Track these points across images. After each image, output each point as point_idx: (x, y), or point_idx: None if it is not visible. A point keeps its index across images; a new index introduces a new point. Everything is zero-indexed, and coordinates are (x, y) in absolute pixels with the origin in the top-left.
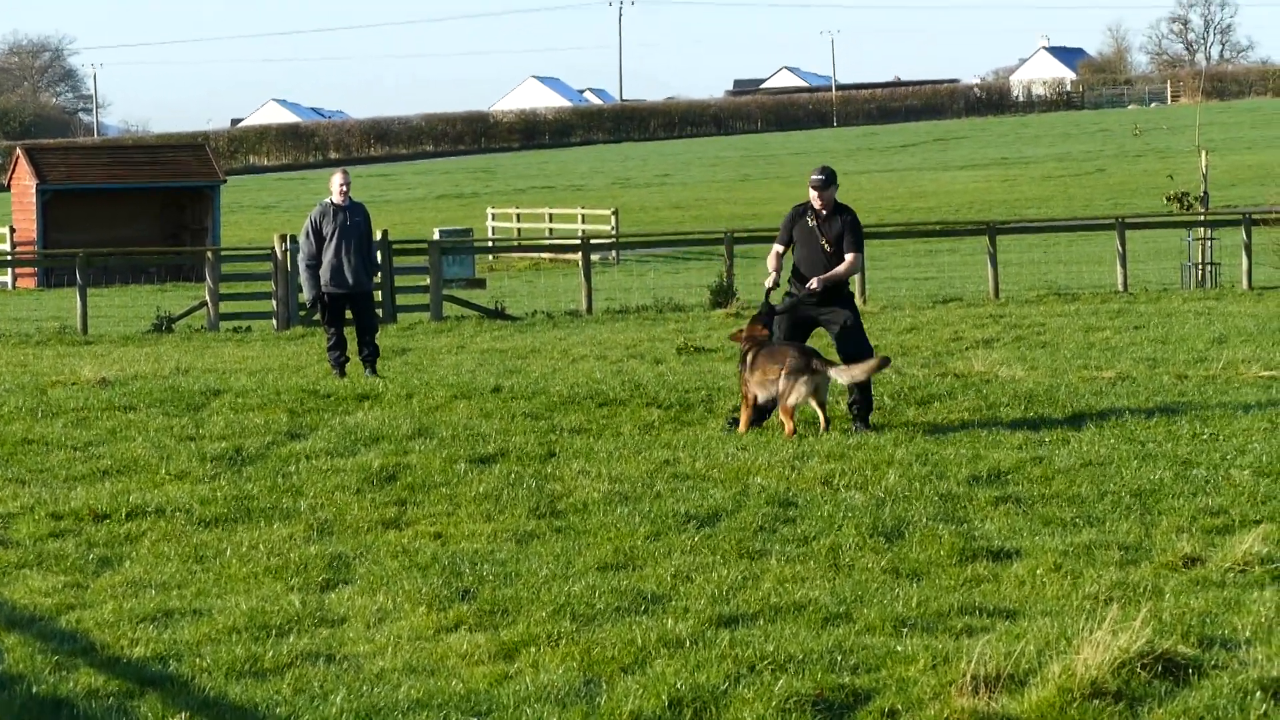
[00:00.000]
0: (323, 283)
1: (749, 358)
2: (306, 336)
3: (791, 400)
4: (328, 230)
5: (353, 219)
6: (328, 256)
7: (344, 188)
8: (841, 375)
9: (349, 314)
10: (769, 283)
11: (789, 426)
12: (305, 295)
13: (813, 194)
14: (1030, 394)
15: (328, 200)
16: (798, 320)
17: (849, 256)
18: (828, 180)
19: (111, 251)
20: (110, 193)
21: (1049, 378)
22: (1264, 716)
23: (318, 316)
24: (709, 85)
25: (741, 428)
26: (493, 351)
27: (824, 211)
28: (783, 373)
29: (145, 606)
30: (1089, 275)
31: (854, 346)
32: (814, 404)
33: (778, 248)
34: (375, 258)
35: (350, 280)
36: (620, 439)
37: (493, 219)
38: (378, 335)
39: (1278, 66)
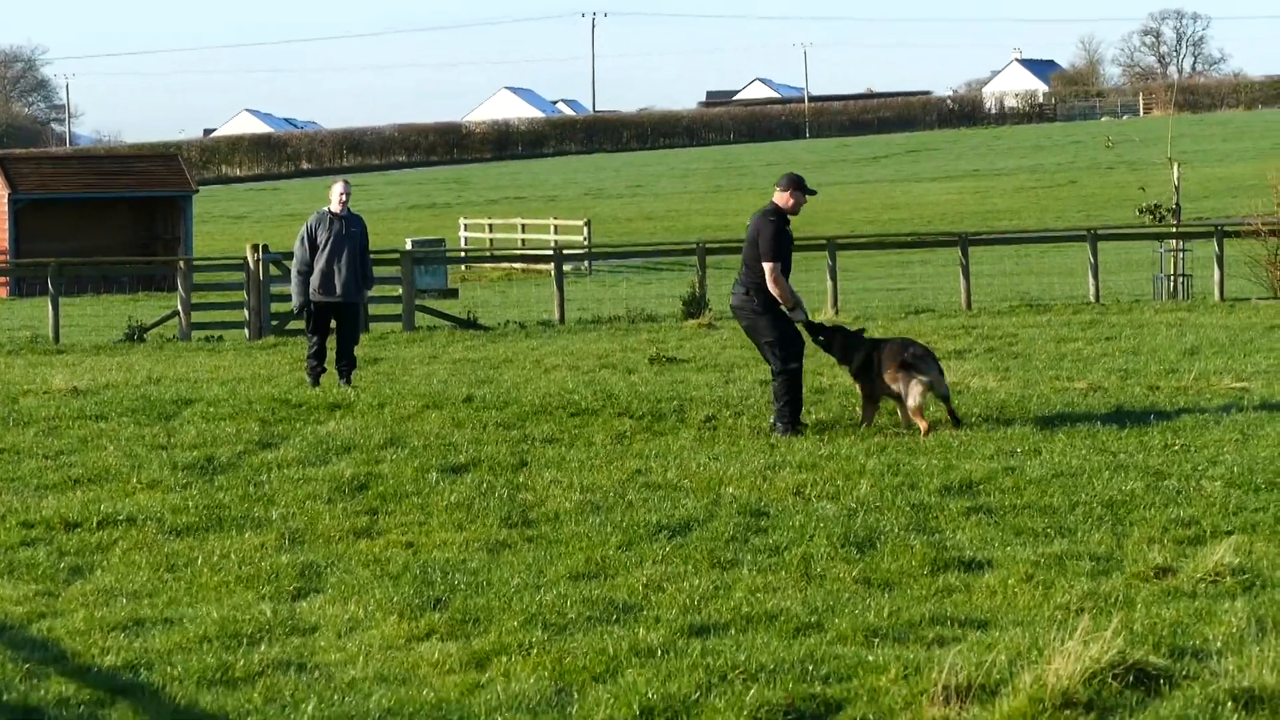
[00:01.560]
0: (311, 290)
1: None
2: (279, 346)
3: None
4: (322, 238)
5: (349, 229)
6: (319, 265)
7: (344, 197)
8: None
9: (333, 324)
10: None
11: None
12: (294, 302)
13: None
14: (1002, 404)
15: (326, 209)
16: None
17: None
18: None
19: (84, 261)
20: (82, 202)
21: (1021, 388)
22: None
23: (297, 324)
24: (682, 96)
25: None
26: (465, 361)
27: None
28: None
29: (116, 615)
30: (1061, 286)
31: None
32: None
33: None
34: (370, 271)
35: (339, 290)
36: (592, 449)
37: (465, 229)
38: (356, 347)
39: (1250, 79)
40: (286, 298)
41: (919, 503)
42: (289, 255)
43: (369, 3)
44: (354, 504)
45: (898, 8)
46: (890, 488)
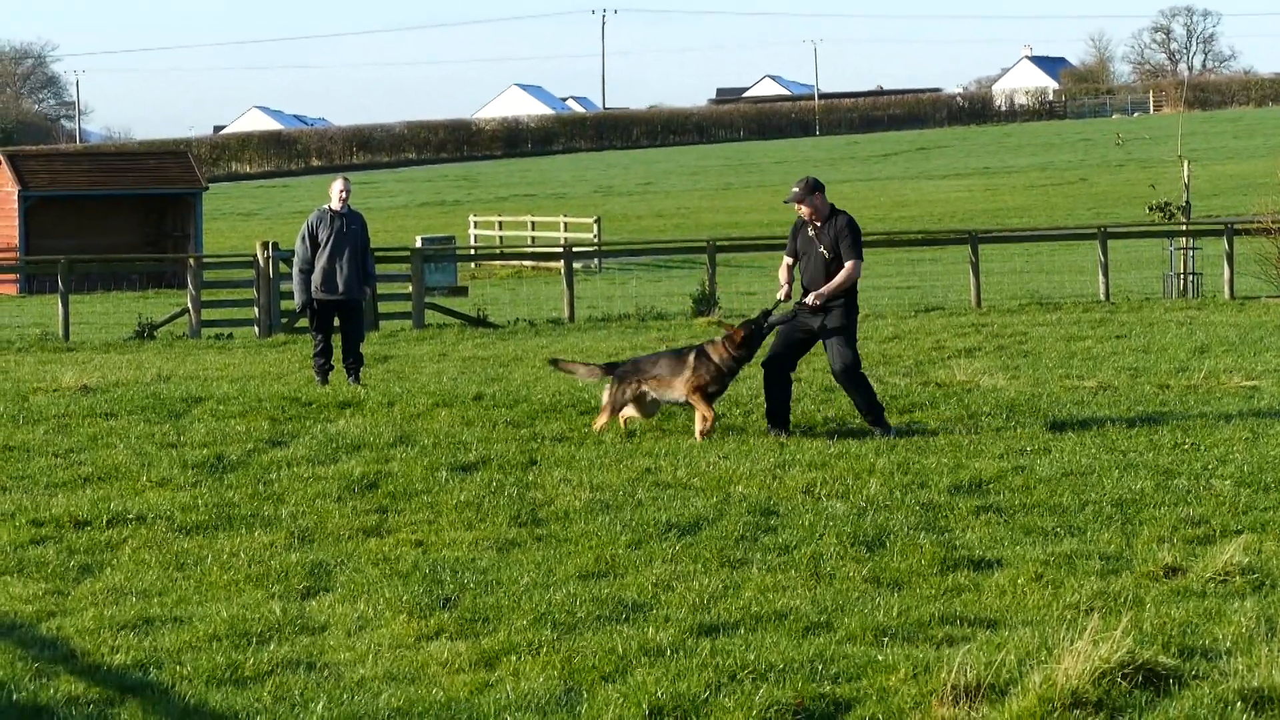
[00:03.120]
0: (314, 288)
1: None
2: (288, 344)
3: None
4: (323, 236)
5: (350, 227)
6: (321, 262)
7: (344, 194)
8: None
9: (337, 321)
10: (780, 295)
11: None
12: (296, 300)
13: (797, 208)
14: (1012, 403)
15: (326, 206)
16: (794, 338)
17: (848, 264)
18: (802, 193)
19: (93, 258)
20: (92, 199)
21: (1031, 387)
22: None
23: (305, 322)
24: (692, 94)
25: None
26: (475, 359)
27: (818, 221)
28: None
29: (126, 614)
30: (1071, 284)
31: (839, 356)
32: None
33: (787, 259)
34: (372, 268)
35: (341, 288)
36: (602, 447)
37: (475, 227)
38: (362, 344)
39: (1260, 76)
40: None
41: (928, 502)
42: None
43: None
44: (363, 502)
45: (908, 4)
46: (900, 486)
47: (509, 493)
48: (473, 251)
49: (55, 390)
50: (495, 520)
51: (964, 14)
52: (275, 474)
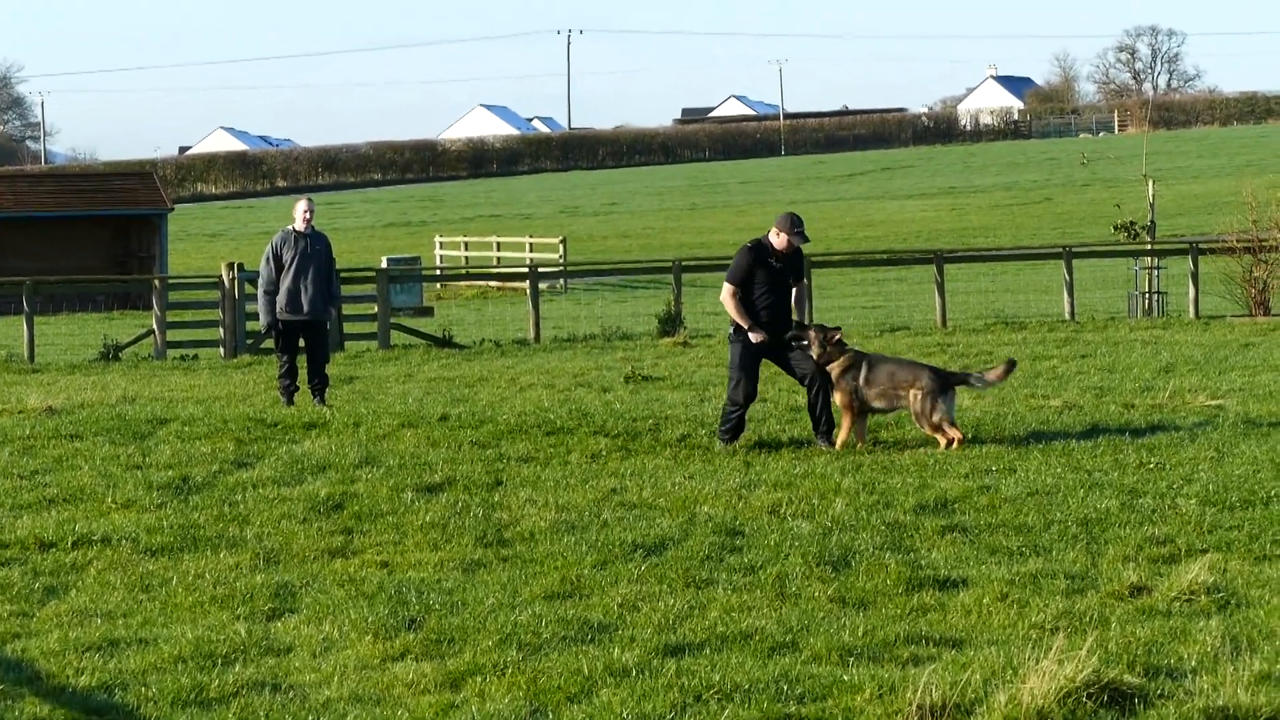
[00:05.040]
0: (279, 309)
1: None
2: (254, 365)
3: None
4: (287, 257)
5: (314, 247)
6: (286, 283)
7: (307, 215)
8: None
9: (302, 342)
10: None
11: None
12: (261, 321)
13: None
14: (977, 422)
15: (290, 227)
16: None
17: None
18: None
19: (58, 279)
20: (57, 220)
21: (996, 406)
22: None
23: (270, 343)
24: (657, 114)
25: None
26: (440, 380)
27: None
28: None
29: (91, 635)
30: (1036, 304)
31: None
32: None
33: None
34: (337, 289)
35: (306, 308)
36: (568, 468)
37: (440, 247)
38: (327, 365)
39: (1225, 96)
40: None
41: (894, 521)
42: None
43: (344, 21)
44: (329, 524)
45: (873, 25)
46: (865, 506)
47: (474, 513)
48: (438, 272)
49: (20, 412)
50: (461, 541)
51: (929, 34)
52: (240, 495)
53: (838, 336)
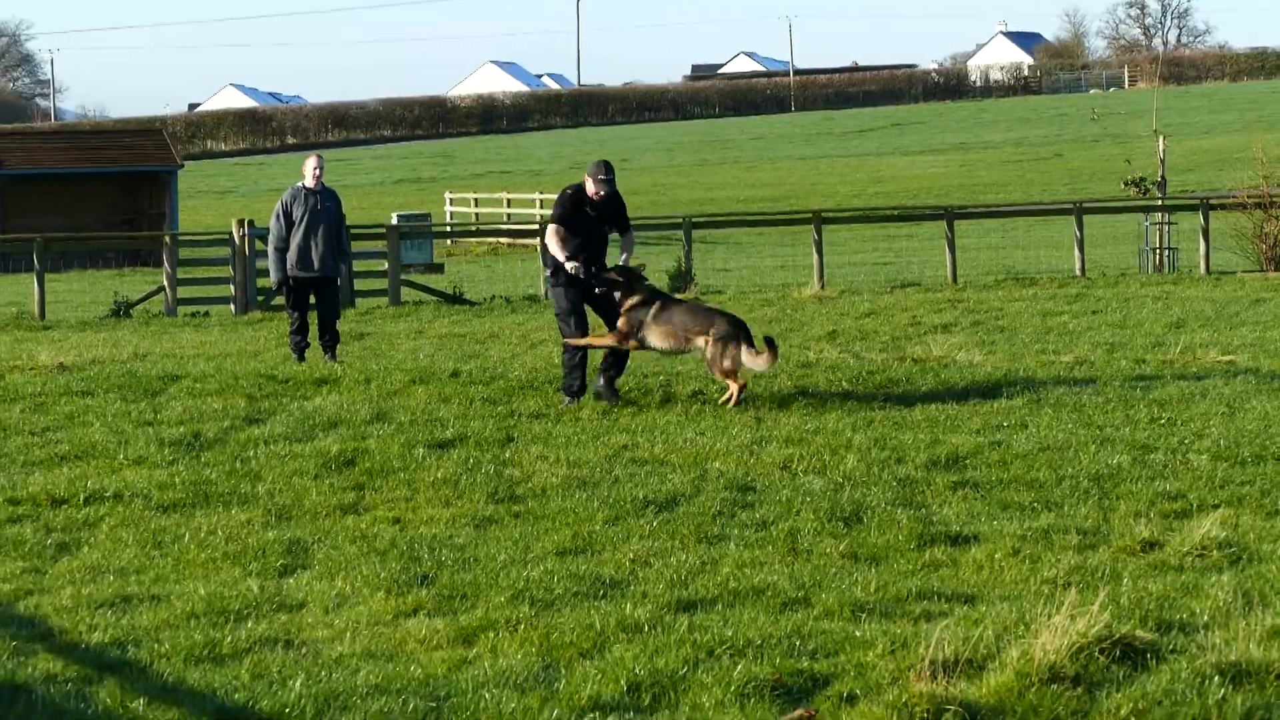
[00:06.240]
0: (289, 266)
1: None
2: (265, 321)
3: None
4: (297, 214)
5: (324, 204)
6: (295, 240)
7: (317, 172)
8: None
9: (313, 299)
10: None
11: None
12: (271, 278)
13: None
14: (988, 379)
15: (300, 184)
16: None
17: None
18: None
19: (69, 237)
20: (67, 178)
21: (1007, 362)
22: (1221, 701)
23: (281, 300)
24: (667, 70)
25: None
26: (451, 336)
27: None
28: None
29: (103, 592)
30: (1047, 260)
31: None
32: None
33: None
34: (347, 245)
35: (316, 265)
36: (579, 424)
37: (450, 204)
38: (338, 321)
39: (1235, 51)
40: None
41: (905, 477)
42: None
43: None
44: (341, 480)
45: None
46: (877, 462)
47: (486, 470)
48: (449, 228)
49: (31, 369)
50: (472, 497)
51: None
52: (252, 451)
53: (639, 274)
